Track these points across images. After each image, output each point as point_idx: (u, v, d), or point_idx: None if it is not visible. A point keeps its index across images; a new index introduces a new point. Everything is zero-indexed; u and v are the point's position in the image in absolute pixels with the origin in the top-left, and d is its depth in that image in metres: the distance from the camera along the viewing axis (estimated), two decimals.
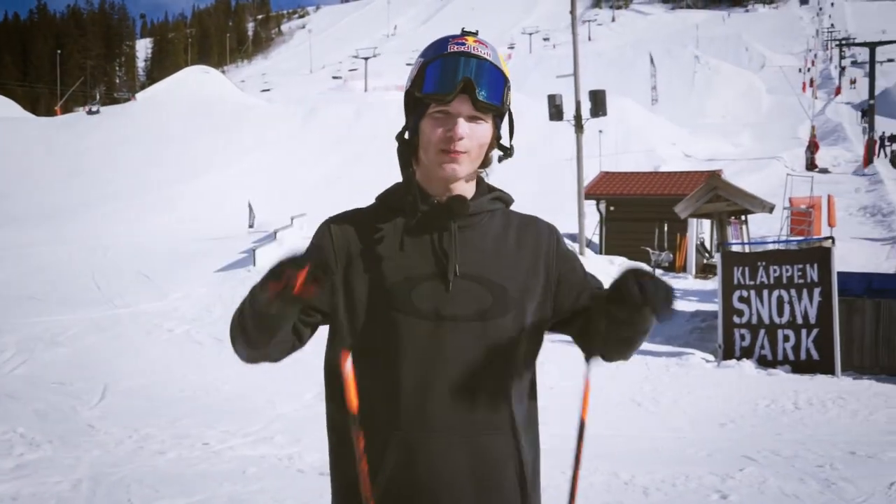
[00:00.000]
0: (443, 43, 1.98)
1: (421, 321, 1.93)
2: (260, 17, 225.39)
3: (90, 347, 13.70)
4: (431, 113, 1.93)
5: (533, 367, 2.06)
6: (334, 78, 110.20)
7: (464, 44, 1.95)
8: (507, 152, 2.05)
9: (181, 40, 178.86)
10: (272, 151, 44.63)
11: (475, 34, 2.00)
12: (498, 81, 1.94)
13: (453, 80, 1.89)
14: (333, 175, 41.43)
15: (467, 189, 2.02)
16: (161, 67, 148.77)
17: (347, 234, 2.00)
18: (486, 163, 2.03)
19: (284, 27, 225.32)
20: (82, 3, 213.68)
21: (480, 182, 2.07)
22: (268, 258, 19.88)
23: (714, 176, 14.22)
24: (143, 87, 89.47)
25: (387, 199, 2.05)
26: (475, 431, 1.94)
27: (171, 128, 49.18)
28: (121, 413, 9.16)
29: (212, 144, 46.17)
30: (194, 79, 63.97)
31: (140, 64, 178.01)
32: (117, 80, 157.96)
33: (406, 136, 2.01)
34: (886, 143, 43.45)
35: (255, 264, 19.47)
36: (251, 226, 26.39)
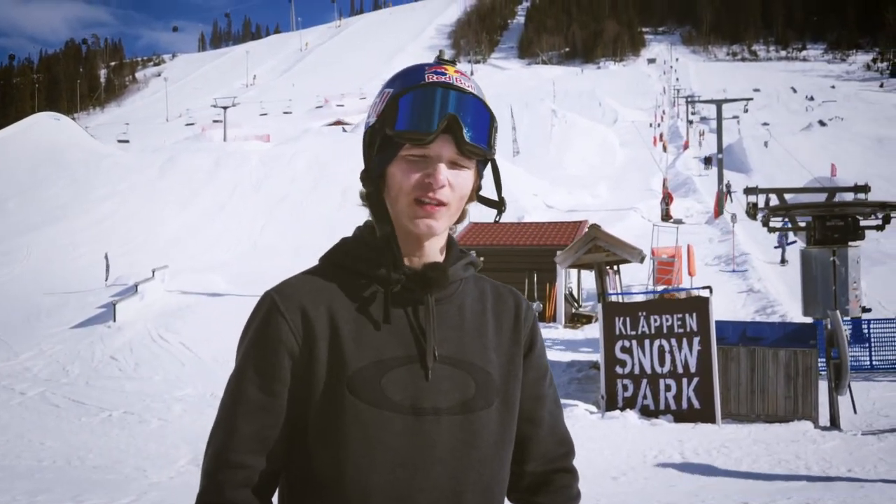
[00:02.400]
0: (417, 71, 1.62)
1: (395, 416, 1.56)
2: (113, 63, 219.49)
3: None
4: (405, 155, 1.58)
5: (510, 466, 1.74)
6: (188, 125, 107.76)
7: (444, 73, 1.61)
8: (500, 207, 1.72)
9: (27, 86, 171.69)
10: (128, 201, 42.89)
11: (454, 63, 1.67)
12: (485, 120, 1.60)
13: (435, 117, 1.55)
14: (194, 225, 40.15)
15: (439, 250, 1.69)
16: (4, 114, 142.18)
17: (303, 311, 1.59)
18: (461, 218, 1.69)
19: (139, 75, 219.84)
20: None
21: (452, 243, 1.73)
22: (129, 312, 18.91)
23: (593, 227, 14.37)
24: None
25: (341, 262, 1.67)
26: None
27: (18, 176, 46.75)
28: None
29: (62, 194, 44.08)
30: (43, 125, 61.05)
31: None
32: None
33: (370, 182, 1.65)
34: (732, 191, 45.48)
35: (115, 319, 18.43)
36: (106, 279, 25.10)
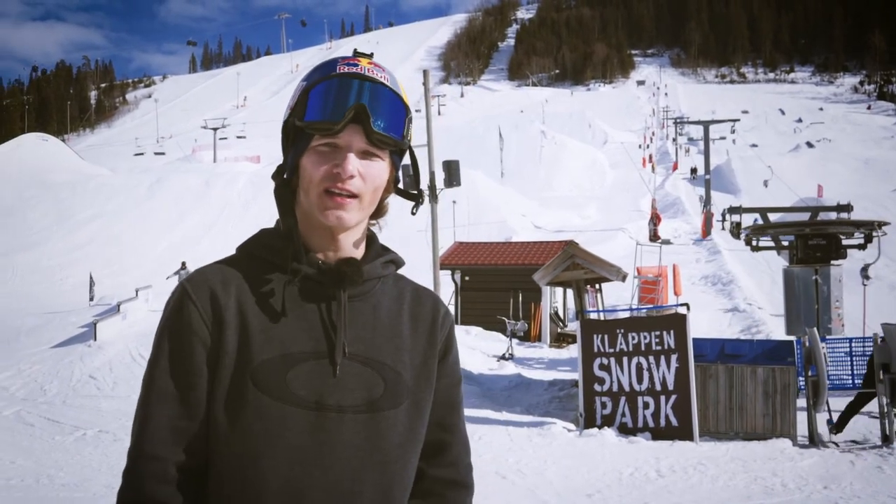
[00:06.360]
0: (330, 64, 1.60)
1: (298, 411, 1.52)
2: (103, 85, 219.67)
3: None
4: (315, 146, 1.55)
5: (415, 469, 1.70)
6: (136, 155, 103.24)
7: (356, 65, 1.58)
8: (417, 199, 1.70)
9: (17, 107, 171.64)
10: (115, 222, 42.83)
11: (370, 56, 1.64)
12: (398, 111, 1.59)
13: (343, 106, 1.53)
14: (182, 245, 40.11)
15: (357, 245, 1.65)
16: None
17: (213, 297, 1.56)
18: (380, 211, 1.67)
19: (129, 96, 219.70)
20: None
21: (372, 239, 1.70)
22: (110, 332, 18.81)
23: (572, 244, 14.35)
24: None
25: (255, 252, 1.64)
26: None
27: (4, 197, 46.65)
28: None
29: (49, 214, 44.04)
30: (31, 146, 61.07)
31: None
32: None
33: (285, 175, 1.62)
34: (711, 203, 45.37)
35: (95, 338, 18.32)
36: (91, 299, 25.01)
